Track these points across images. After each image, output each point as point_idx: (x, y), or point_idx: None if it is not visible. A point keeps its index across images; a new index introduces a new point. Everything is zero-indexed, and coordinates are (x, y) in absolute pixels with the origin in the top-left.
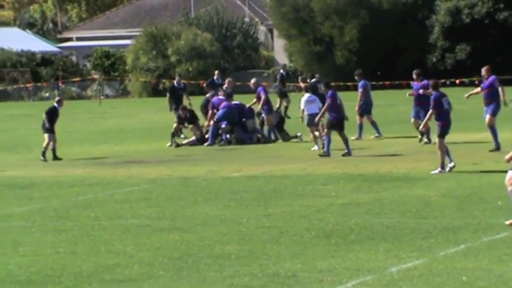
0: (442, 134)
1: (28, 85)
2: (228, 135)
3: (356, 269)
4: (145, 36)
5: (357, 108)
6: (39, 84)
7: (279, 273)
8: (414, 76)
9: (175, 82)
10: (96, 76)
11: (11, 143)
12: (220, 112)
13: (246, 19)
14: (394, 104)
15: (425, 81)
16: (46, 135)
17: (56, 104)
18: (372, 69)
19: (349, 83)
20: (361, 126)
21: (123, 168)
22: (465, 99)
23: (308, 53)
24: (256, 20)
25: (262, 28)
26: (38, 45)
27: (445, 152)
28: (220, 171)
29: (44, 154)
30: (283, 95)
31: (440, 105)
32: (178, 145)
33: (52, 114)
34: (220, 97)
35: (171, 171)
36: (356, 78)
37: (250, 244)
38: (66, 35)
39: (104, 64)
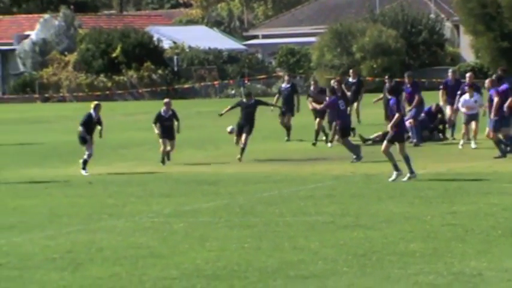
0: None
1: (215, 82)
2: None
3: None
4: (330, 33)
5: None
6: (225, 81)
7: (464, 271)
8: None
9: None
10: (281, 73)
11: (199, 140)
12: (415, 110)
13: (432, 15)
14: None
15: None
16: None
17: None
18: None
19: None
20: None
21: (308, 165)
22: None
23: (495, 49)
24: (442, 16)
25: (448, 24)
26: (224, 43)
27: None
28: (404, 168)
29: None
30: None
31: None
32: (365, 140)
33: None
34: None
35: (354, 168)
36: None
37: (435, 242)
38: (252, 32)
39: (288, 61)
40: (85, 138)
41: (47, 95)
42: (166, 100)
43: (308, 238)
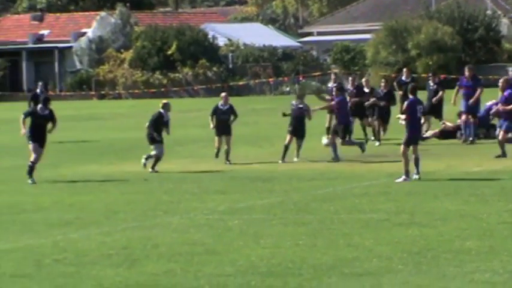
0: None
1: (270, 79)
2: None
3: None
4: (385, 30)
5: None
6: (280, 78)
7: None
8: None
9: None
10: (335, 70)
11: (253, 137)
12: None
13: (488, 12)
14: None
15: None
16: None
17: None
18: None
19: None
20: None
21: (363, 162)
22: None
23: None
24: (499, 12)
25: (504, 20)
26: (279, 40)
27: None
28: (460, 166)
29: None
30: None
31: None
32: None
33: None
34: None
35: (409, 166)
36: None
37: (491, 240)
38: (306, 29)
39: (343, 58)
40: (154, 138)
41: (103, 92)
42: (223, 93)
43: (363, 235)
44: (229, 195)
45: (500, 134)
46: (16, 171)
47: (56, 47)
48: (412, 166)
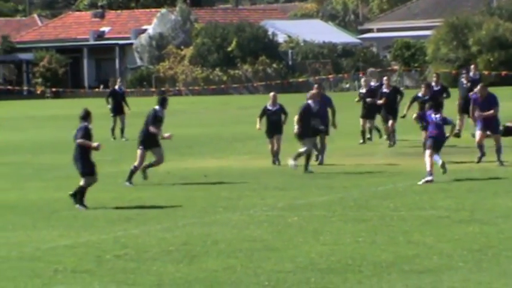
0: None
1: (329, 76)
2: None
3: None
4: (446, 27)
5: None
6: (339, 75)
7: None
8: None
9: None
10: (396, 67)
11: None
12: None
13: None
14: None
15: None
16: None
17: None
18: None
19: None
20: None
21: (423, 159)
22: None
23: None
24: None
25: None
26: (339, 36)
27: None
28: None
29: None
30: None
31: None
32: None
33: None
34: None
35: (471, 164)
36: None
37: None
38: (366, 26)
39: (403, 55)
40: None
41: (163, 89)
42: (272, 93)
43: (423, 232)
44: (288, 191)
45: (478, 135)
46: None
47: (117, 44)
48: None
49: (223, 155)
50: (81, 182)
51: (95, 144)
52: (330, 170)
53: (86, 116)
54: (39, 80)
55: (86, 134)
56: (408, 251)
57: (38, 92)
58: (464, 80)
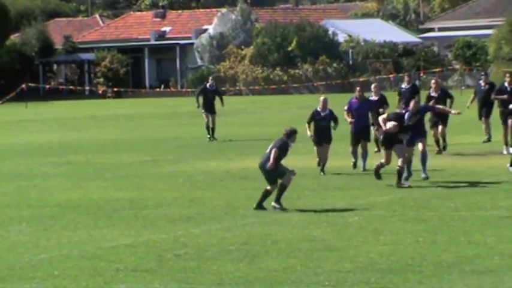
0: None
1: (390, 75)
2: None
3: None
4: (508, 26)
5: None
6: (400, 74)
7: None
8: None
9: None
10: (457, 66)
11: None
12: None
13: None
14: None
15: None
16: None
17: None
18: None
19: None
20: None
21: (483, 159)
22: None
23: None
24: None
25: None
26: (400, 35)
27: None
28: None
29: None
30: None
31: None
32: None
33: None
34: None
35: None
36: None
37: None
38: (427, 25)
39: (465, 54)
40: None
41: (223, 89)
42: (322, 97)
43: (484, 233)
44: (348, 191)
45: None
46: (137, 166)
47: (178, 44)
48: None
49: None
50: (269, 187)
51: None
52: (390, 170)
53: (291, 134)
54: (101, 80)
55: (283, 148)
56: (469, 251)
57: (100, 91)
58: (482, 83)
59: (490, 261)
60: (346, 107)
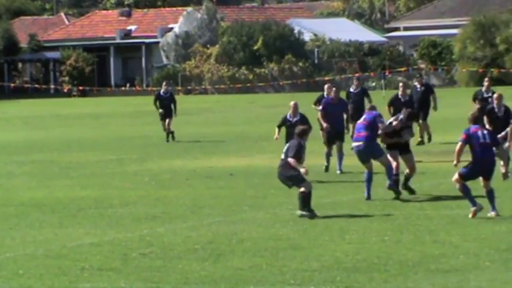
0: None
1: (356, 75)
2: None
3: None
4: (473, 25)
5: None
6: (366, 73)
7: None
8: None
9: None
10: (422, 66)
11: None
12: None
13: None
14: None
15: None
16: None
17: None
18: None
19: None
20: None
21: (449, 158)
22: None
23: None
24: None
25: None
26: (365, 35)
27: None
28: None
29: None
30: None
31: None
32: None
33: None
34: None
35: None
36: None
37: None
38: (393, 24)
39: (430, 54)
40: None
41: (189, 87)
42: (292, 103)
43: (449, 232)
44: (314, 190)
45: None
46: (102, 165)
47: (143, 43)
48: None
49: (249, 153)
50: (302, 189)
51: (303, 169)
52: (356, 169)
53: (303, 134)
54: (66, 78)
55: (299, 151)
56: (434, 250)
57: (65, 90)
58: (417, 84)
59: (455, 260)
60: (320, 107)
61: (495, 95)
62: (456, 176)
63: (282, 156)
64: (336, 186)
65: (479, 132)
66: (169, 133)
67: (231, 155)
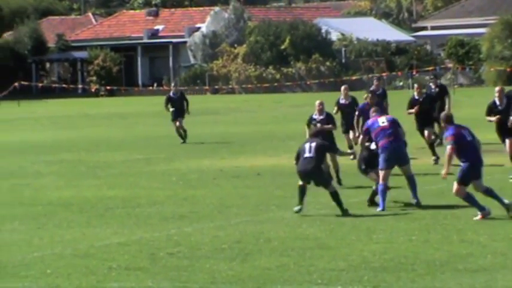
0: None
1: (383, 74)
2: None
3: None
4: (501, 24)
5: None
6: (393, 73)
7: None
8: None
9: None
10: (450, 65)
11: None
12: None
13: None
14: None
15: None
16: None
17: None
18: None
19: None
20: None
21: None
22: None
23: None
24: None
25: None
26: (392, 34)
27: None
28: None
29: None
30: None
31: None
32: None
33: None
34: None
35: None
36: None
37: None
38: (420, 24)
39: (458, 53)
40: None
41: (216, 87)
42: (317, 102)
43: (477, 231)
44: (342, 189)
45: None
46: (130, 165)
47: (171, 42)
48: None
49: (276, 153)
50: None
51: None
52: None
53: (317, 134)
54: (94, 78)
55: (323, 151)
56: (462, 250)
57: (93, 90)
58: (432, 85)
59: (483, 260)
60: (356, 113)
61: (496, 88)
62: (455, 185)
63: (309, 154)
64: (364, 185)
65: (463, 131)
66: (184, 132)
67: (258, 154)
